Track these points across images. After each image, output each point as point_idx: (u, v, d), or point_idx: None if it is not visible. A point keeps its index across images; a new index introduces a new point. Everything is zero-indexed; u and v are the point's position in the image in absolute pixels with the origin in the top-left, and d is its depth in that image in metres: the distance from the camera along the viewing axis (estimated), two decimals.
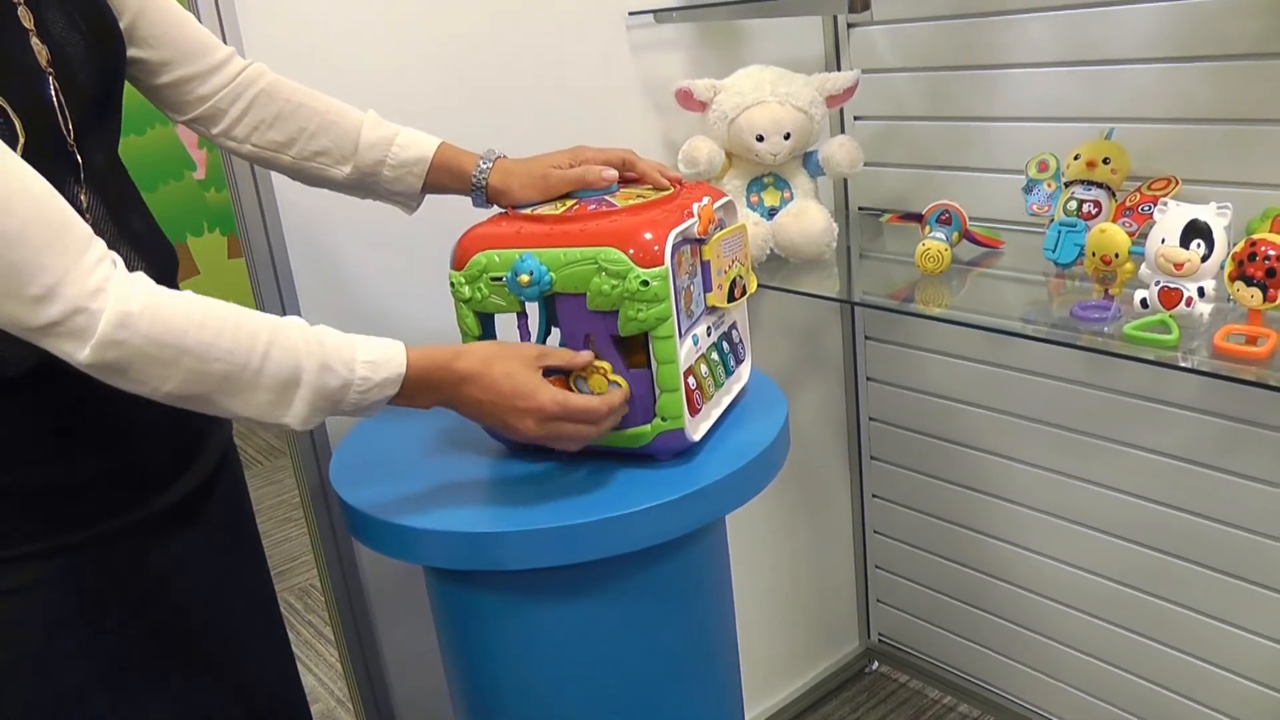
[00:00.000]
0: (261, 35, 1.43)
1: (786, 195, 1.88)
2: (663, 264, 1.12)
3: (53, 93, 0.99)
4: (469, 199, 1.34)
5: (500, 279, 1.18)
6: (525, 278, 1.15)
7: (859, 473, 2.42)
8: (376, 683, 1.69)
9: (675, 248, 1.15)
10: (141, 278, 0.94)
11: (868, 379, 2.32)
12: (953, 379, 2.14)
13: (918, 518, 2.34)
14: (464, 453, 1.32)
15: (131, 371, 0.92)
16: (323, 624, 3.02)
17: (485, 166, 1.31)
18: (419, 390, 1.07)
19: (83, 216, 0.94)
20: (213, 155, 4.05)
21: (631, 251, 1.13)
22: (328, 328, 1.03)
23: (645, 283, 1.12)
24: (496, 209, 1.32)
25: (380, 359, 1.03)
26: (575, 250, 1.15)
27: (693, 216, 1.20)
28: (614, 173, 1.28)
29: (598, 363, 1.17)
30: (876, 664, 2.58)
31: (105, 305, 0.89)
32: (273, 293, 1.50)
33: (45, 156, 0.95)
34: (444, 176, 1.32)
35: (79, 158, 1.02)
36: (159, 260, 1.14)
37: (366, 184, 1.32)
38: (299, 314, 1.50)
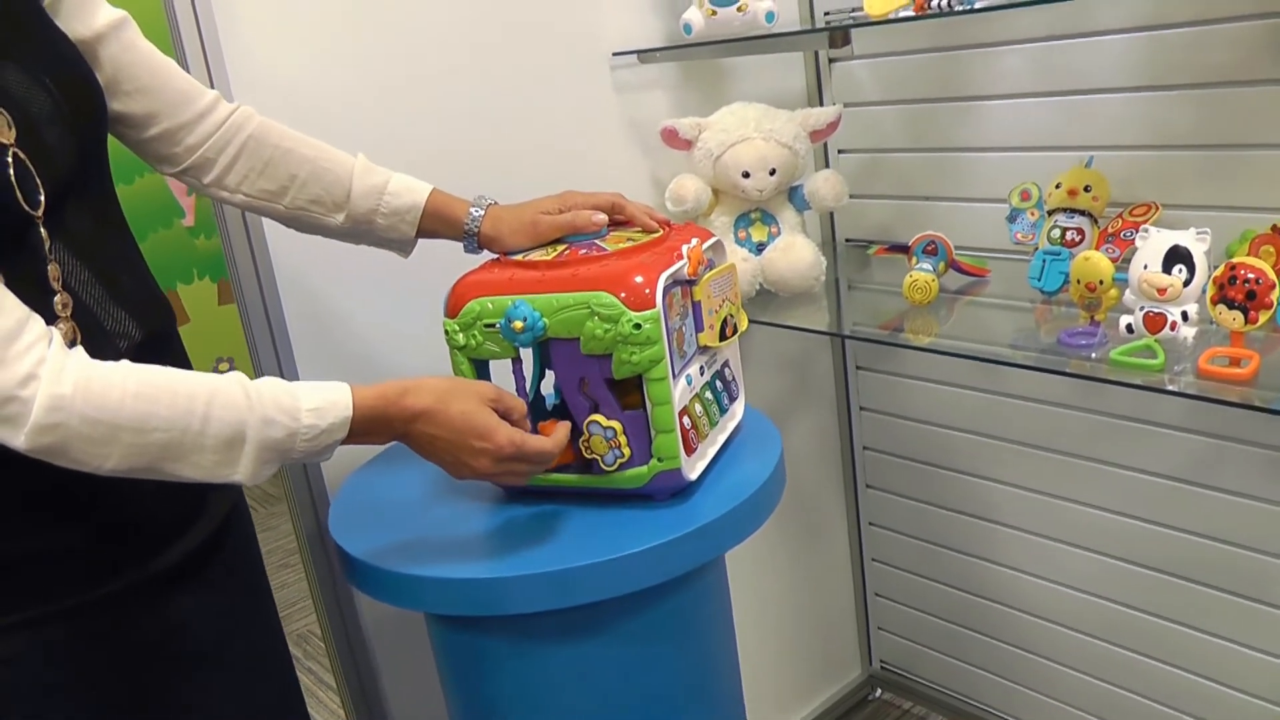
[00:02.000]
0: (247, 77, 1.44)
1: (774, 230, 1.90)
2: (654, 307, 1.14)
3: (8, 166, 0.94)
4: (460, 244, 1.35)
5: (494, 325, 1.20)
6: (519, 324, 1.17)
7: (855, 501, 2.43)
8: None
9: (666, 290, 1.17)
10: (77, 355, 0.94)
11: (860, 408, 2.34)
12: (944, 406, 2.16)
13: (915, 544, 2.35)
14: (461, 498, 1.32)
15: (71, 452, 0.92)
16: (323, 670, 3.01)
17: (477, 214, 1.32)
18: (370, 430, 1.06)
19: (54, 290, 0.96)
20: (201, 202, 4.07)
21: (623, 295, 1.14)
22: (271, 379, 1.02)
23: (638, 326, 1.13)
24: (488, 254, 1.33)
25: (325, 404, 1.02)
26: (568, 295, 1.16)
27: (682, 259, 1.22)
28: (603, 217, 1.30)
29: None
30: (879, 691, 2.59)
31: (37, 391, 0.89)
32: (266, 340, 1.51)
33: None
34: (436, 223, 1.33)
35: (43, 231, 0.98)
36: (153, 318, 1.13)
37: (360, 231, 1.33)
38: (293, 360, 1.53)
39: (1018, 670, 2.25)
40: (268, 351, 1.51)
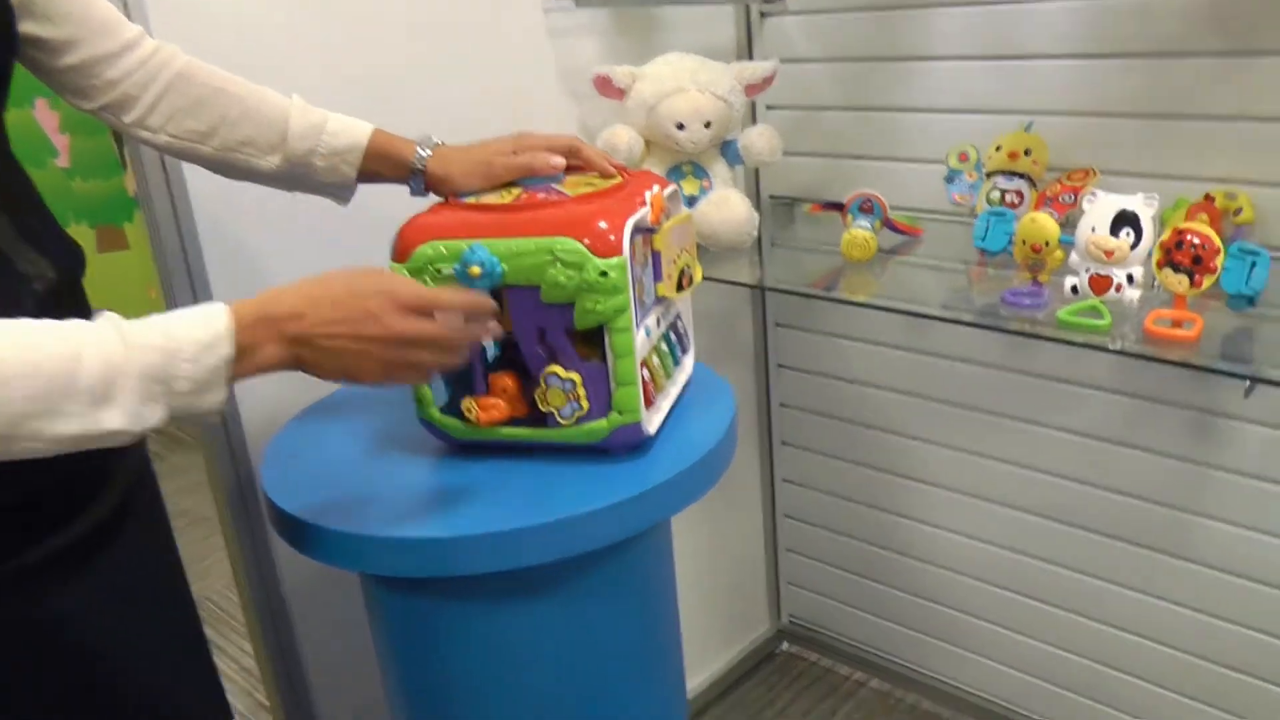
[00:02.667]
0: (168, 14, 1.35)
1: (705, 184, 1.88)
2: (621, 254, 1.10)
3: None
4: (404, 187, 1.28)
5: (447, 272, 1.15)
6: (476, 269, 1.11)
7: (769, 458, 2.43)
8: (300, 696, 1.64)
9: (630, 237, 1.13)
10: None
11: (779, 365, 2.34)
12: (865, 364, 2.17)
13: (828, 500, 2.37)
14: (403, 454, 1.27)
15: None
16: (225, 637, 2.90)
17: (424, 154, 1.25)
18: (256, 339, 0.92)
19: None
20: (77, 141, 3.86)
21: (588, 241, 1.10)
22: (117, 316, 0.88)
23: (604, 273, 1.10)
24: (434, 198, 1.28)
25: (200, 318, 0.89)
26: (528, 240, 1.11)
27: (645, 205, 1.18)
28: (561, 160, 1.25)
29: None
30: (786, 645, 2.61)
31: None
32: (187, 298, 1.43)
33: None
34: (380, 164, 1.26)
35: None
36: (66, 257, 1.04)
37: (297, 175, 1.25)
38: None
39: (929, 623, 2.29)
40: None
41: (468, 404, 1.19)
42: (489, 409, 1.18)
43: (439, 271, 1.14)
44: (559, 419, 1.18)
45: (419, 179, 1.26)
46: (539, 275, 1.12)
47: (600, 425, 1.17)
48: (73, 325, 0.84)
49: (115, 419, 0.83)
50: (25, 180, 1.05)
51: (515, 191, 1.22)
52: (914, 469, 2.18)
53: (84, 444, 0.84)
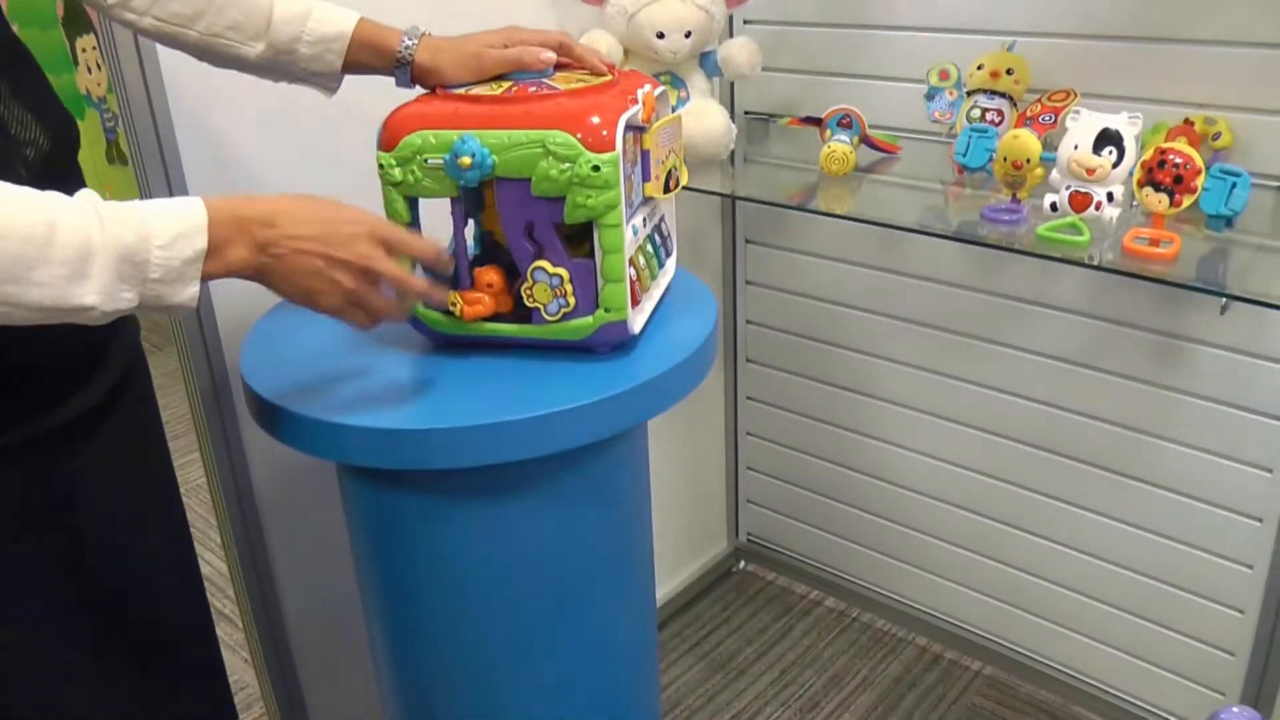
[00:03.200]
0: None
1: (683, 95, 1.87)
2: (614, 149, 1.09)
3: None
4: (389, 86, 1.25)
5: (436, 162, 1.13)
6: (467, 160, 1.10)
7: (734, 375, 2.44)
8: (267, 590, 1.64)
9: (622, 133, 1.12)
10: None
11: (746, 282, 2.34)
12: (834, 282, 2.18)
13: (792, 418, 2.38)
14: (388, 348, 1.25)
15: None
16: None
17: (411, 43, 1.22)
18: (228, 237, 0.92)
19: None
20: (26, 34, 3.73)
21: (580, 135, 1.09)
22: (96, 195, 0.88)
23: (596, 168, 1.08)
24: (420, 90, 1.26)
25: (174, 207, 0.89)
26: (520, 133, 1.10)
27: (638, 103, 1.17)
28: (552, 55, 1.22)
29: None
30: (743, 563, 2.64)
31: None
32: (163, 193, 1.39)
33: None
34: (366, 54, 1.23)
35: None
36: (61, 126, 1.02)
37: (282, 64, 1.22)
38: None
39: (886, 542, 2.33)
40: None
41: (452, 297, 1.18)
42: (474, 303, 1.18)
43: (426, 161, 1.13)
44: (545, 315, 1.17)
45: (405, 70, 1.23)
46: (530, 168, 1.10)
47: (586, 322, 1.17)
48: (50, 196, 0.83)
49: (89, 295, 0.83)
50: (18, 43, 1.02)
51: (506, 84, 1.20)
52: (879, 388, 2.20)
53: (56, 317, 0.84)
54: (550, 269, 1.14)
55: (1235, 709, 1.05)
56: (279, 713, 1.71)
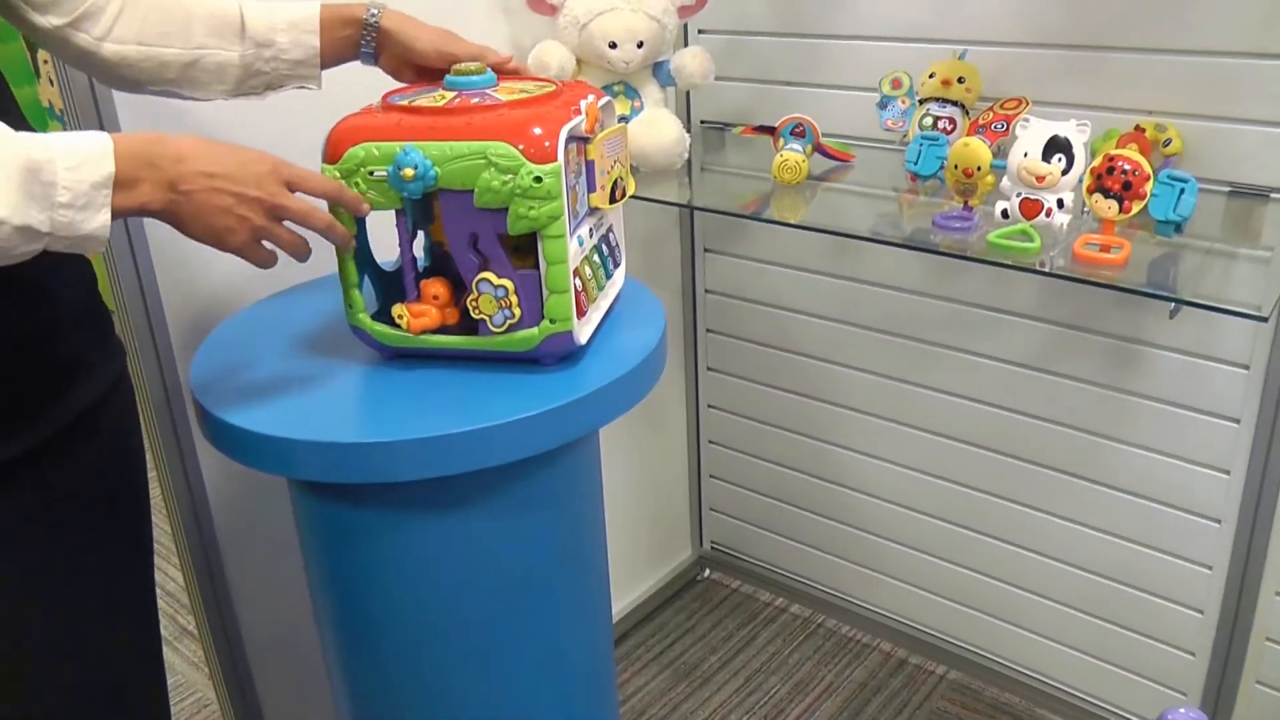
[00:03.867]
0: None
1: (637, 104, 1.87)
2: (556, 160, 1.08)
3: None
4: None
5: (379, 174, 1.12)
6: (409, 171, 1.09)
7: (695, 384, 2.44)
8: (224, 604, 1.62)
9: (565, 145, 1.11)
10: None
11: (705, 291, 2.34)
12: (793, 291, 2.18)
13: (753, 426, 2.38)
14: (335, 361, 1.24)
15: None
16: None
17: (375, 12, 1.24)
18: (135, 171, 0.92)
19: None
20: None
21: (522, 146, 1.08)
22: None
23: (538, 179, 1.08)
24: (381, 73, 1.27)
25: (80, 137, 0.90)
26: (462, 144, 1.09)
27: (580, 114, 1.16)
28: (509, 57, 1.26)
29: None
30: (707, 571, 2.64)
31: None
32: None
33: None
34: (337, 26, 1.24)
35: None
36: None
37: (264, 60, 1.22)
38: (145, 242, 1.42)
39: (849, 549, 2.33)
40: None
41: (399, 310, 1.17)
42: (420, 315, 1.17)
43: (371, 174, 1.12)
44: (491, 327, 1.16)
45: (370, 38, 1.25)
46: (472, 179, 1.09)
47: (531, 334, 1.16)
48: None
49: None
50: None
51: (449, 95, 1.19)
52: (838, 395, 2.20)
53: None
54: (495, 280, 1.14)
55: (1182, 710, 1.06)
56: None
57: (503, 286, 1.14)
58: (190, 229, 0.99)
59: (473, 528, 1.21)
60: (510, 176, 1.08)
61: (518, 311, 1.15)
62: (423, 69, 1.28)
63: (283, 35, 1.21)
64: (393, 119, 1.14)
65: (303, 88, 1.27)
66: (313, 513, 1.26)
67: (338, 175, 1.12)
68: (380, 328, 1.19)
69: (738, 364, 2.35)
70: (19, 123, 1.02)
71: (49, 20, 1.11)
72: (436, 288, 1.17)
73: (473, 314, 1.16)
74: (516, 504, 1.22)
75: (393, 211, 1.15)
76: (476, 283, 1.14)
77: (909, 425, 2.11)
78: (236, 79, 1.22)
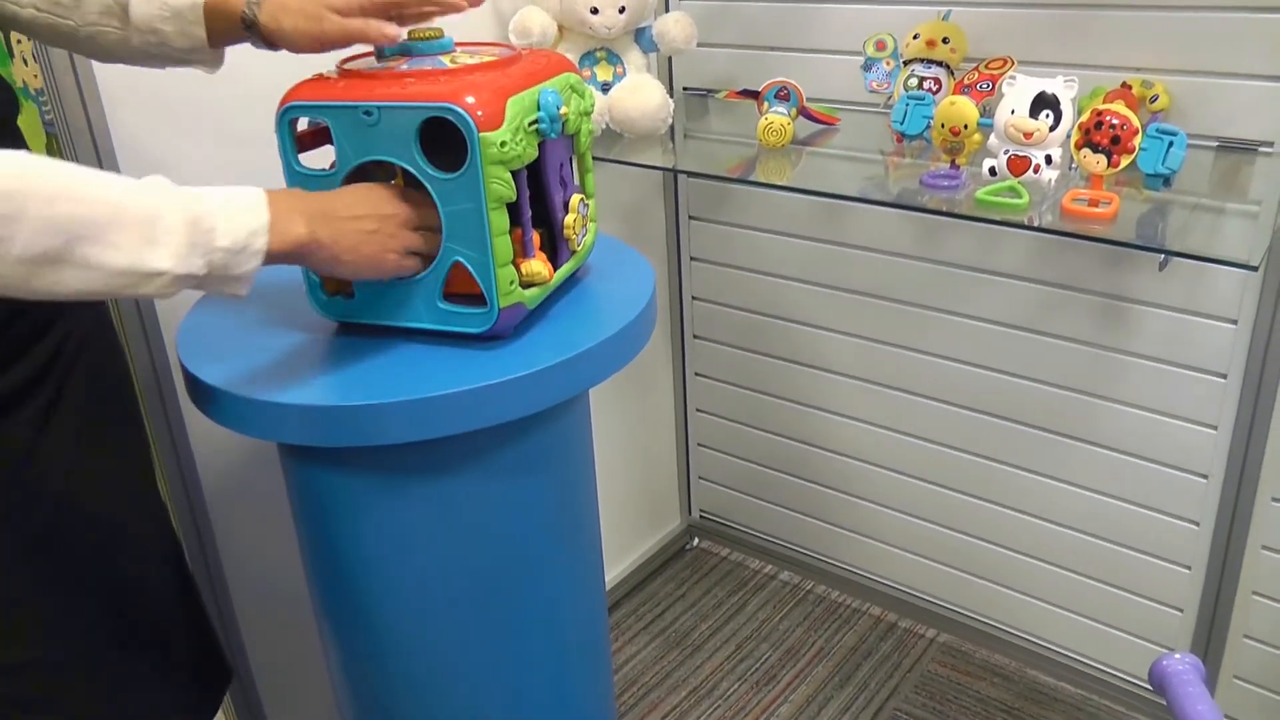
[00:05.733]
0: None
1: (619, 70, 1.85)
2: None
3: None
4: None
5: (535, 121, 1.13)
6: (565, 109, 1.15)
7: (681, 352, 2.44)
8: (215, 576, 1.62)
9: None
10: None
11: (691, 258, 2.33)
12: (778, 256, 2.18)
13: (741, 393, 2.38)
14: (320, 330, 1.23)
15: None
16: None
17: (250, 12, 1.16)
18: (286, 211, 0.99)
19: None
20: None
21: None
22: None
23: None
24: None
25: (231, 190, 0.96)
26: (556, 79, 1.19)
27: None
28: (397, 31, 1.15)
29: None
30: (697, 540, 2.64)
31: None
32: None
33: None
34: (220, 21, 1.17)
35: None
36: None
37: (153, 46, 1.18)
38: None
39: (839, 514, 2.34)
40: None
41: (533, 266, 1.17)
42: (546, 263, 1.20)
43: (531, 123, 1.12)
44: (573, 247, 1.25)
45: (255, 35, 1.18)
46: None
47: (589, 241, 1.30)
48: (114, 174, 0.88)
49: (162, 258, 0.88)
50: None
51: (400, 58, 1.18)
52: (826, 360, 2.20)
53: (131, 283, 0.88)
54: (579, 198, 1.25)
55: (1177, 655, 1.06)
56: (230, 696, 1.69)
57: (586, 202, 1.25)
58: (346, 262, 1.06)
59: (464, 492, 1.21)
60: (580, 99, 1.22)
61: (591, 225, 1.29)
62: None
63: (167, 24, 1.16)
64: (493, 76, 1.12)
65: (205, 69, 1.23)
66: (304, 479, 1.25)
67: (506, 137, 1.09)
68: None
69: (724, 331, 2.35)
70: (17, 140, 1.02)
71: None
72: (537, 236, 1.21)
73: (571, 238, 1.24)
74: (507, 468, 1.22)
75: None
76: (577, 203, 1.23)
77: (897, 389, 2.11)
78: (139, 56, 1.19)
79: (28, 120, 4.20)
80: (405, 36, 1.18)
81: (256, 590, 1.68)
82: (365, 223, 1.06)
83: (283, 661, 1.76)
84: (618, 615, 2.42)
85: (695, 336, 2.41)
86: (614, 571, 2.46)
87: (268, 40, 1.18)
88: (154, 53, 1.19)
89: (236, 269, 0.94)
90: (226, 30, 1.19)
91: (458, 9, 1.20)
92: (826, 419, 2.25)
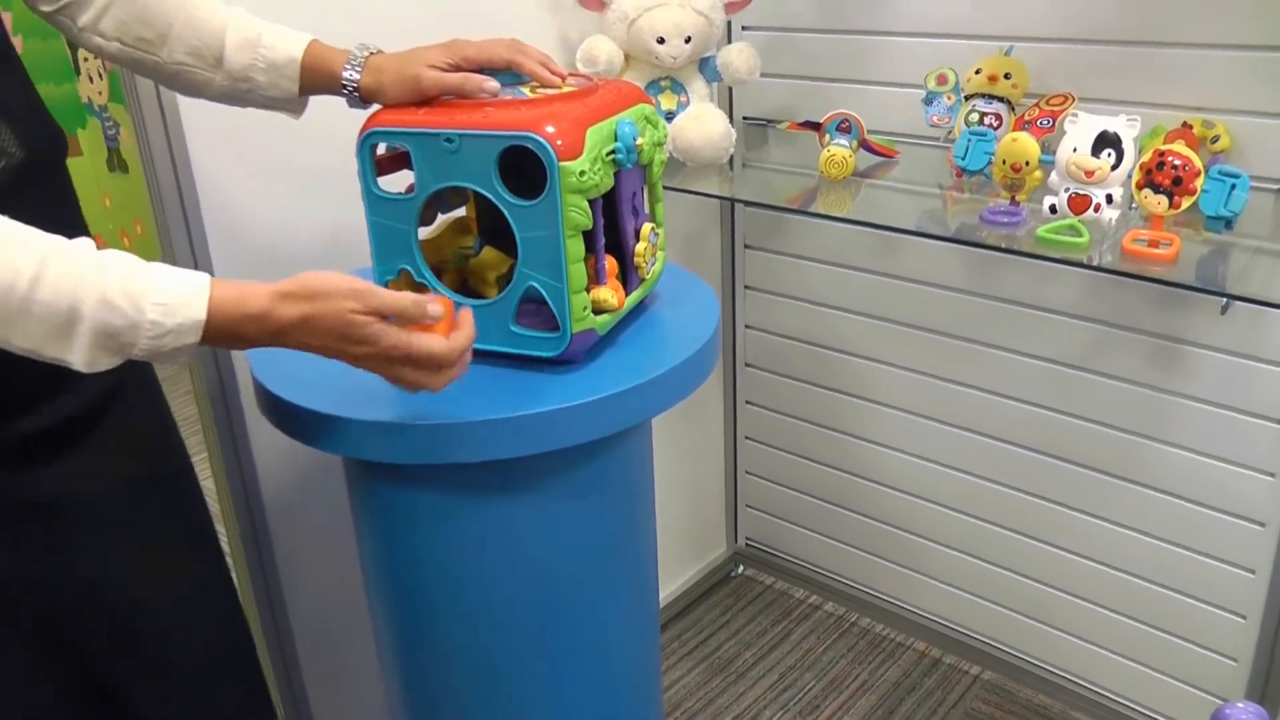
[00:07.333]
0: None
1: (683, 99, 1.88)
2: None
3: None
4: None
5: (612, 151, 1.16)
6: (640, 141, 1.17)
7: (733, 380, 2.45)
8: (274, 594, 1.64)
9: None
10: None
11: (745, 287, 2.35)
12: (833, 287, 2.19)
13: (790, 423, 2.39)
14: None
15: None
16: None
17: (355, 66, 1.19)
18: (228, 338, 0.91)
19: None
20: (30, 44, 3.68)
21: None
22: (126, 255, 0.87)
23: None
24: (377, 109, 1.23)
25: (175, 301, 0.87)
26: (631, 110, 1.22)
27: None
28: (496, 85, 1.18)
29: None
30: (742, 567, 2.65)
31: None
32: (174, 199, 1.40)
33: None
34: (317, 79, 1.20)
35: None
36: (39, 138, 1.00)
37: (242, 91, 1.20)
38: (207, 249, 1.43)
39: (885, 547, 2.33)
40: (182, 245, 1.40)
41: (603, 294, 1.19)
42: (618, 291, 1.22)
43: (608, 153, 1.14)
44: (642, 275, 1.27)
45: (354, 95, 1.20)
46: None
47: (657, 269, 1.33)
48: (46, 243, 0.83)
49: (68, 357, 0.85)
50: (12, 57, 1.01)
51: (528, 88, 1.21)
52: (878, 393, 2.20)
53: (48, 359, 0.85)
54: (650, 226, 1.28)
55: (1240, 704, 1.06)
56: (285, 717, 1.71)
57: (656, 231, 1.27)
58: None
59: (528, 513, 1.22)
60: (654, 130, 1.23)
61: (660, 254, 1.32)
62: None
63: (261, 75, 1.19)
64: (572, 106, 1.14)
65: (289, 115, 1.26)
66: (370, 495, 1.27)
67: (585, 166, 1.10)
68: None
69: (776, 361, 2.36)
70: (40, 120, 1.03)
71: (38, 5, 1.10)
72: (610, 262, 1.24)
73: (641, 265, 1.26)
74: (572, 491, 1.24)
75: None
76: (648, 232, 1.26)
77: (947, 423, 2.11)
78: (222, 97, 1.21)
79: (90, 134, 4.28)
80: (500, 86, 1.19)
81: (313, 608, 1.70)
82: (323, 355, 0.98)
83: (338, 678, 1.78)
84: (663, 639, 2.42)
85: (747, 365, 2.42)
86: (660, 595, 2.46)
87: (366, 98, 1.20)
88: (241, 97, 1.21)
89: (160, 360, 0.91)
90: (319, 86, 1.21)
91: (553, 85, 1.21)
92: (875, 451, 2.26)
